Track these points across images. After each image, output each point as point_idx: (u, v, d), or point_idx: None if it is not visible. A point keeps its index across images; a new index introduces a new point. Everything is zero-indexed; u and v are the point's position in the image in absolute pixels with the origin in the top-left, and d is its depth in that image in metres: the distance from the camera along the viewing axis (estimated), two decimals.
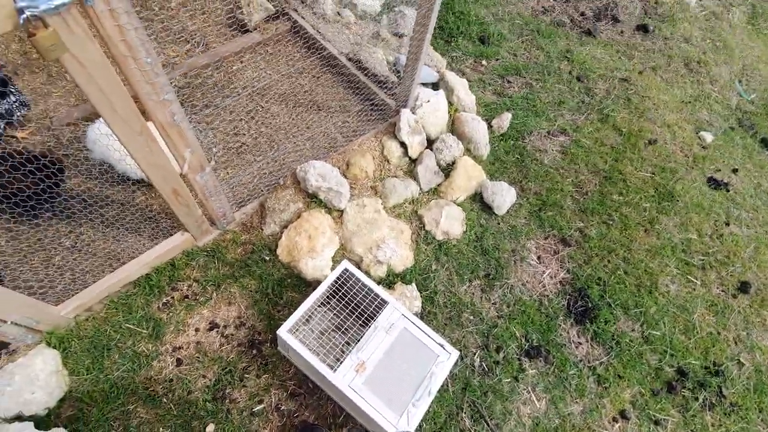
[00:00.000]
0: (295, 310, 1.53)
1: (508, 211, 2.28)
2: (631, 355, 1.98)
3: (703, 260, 2.29)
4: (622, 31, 3.40)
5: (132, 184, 1.92)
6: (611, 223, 2.34)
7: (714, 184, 2.61)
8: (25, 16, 0.73)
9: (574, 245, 2.25)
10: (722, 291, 2.23)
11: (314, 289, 1.59)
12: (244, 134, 2.27)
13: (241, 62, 2.52)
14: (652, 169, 2.58)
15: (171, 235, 1.75)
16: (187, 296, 1.74)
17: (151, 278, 1.71)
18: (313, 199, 1.99)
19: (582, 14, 3.52)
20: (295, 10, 2.68)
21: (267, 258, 1.87)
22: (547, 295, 2.08)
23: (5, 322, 1.31)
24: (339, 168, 2.08)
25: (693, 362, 1.99)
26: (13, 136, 1.83)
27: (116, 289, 1.67)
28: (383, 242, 1.94)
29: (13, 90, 1.74)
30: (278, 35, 2.63)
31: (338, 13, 2.81)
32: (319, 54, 2.58)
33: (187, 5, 2.61)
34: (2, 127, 1.76)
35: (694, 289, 2.21)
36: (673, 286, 2.20)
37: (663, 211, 2.42)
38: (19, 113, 1.79)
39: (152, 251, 1.70)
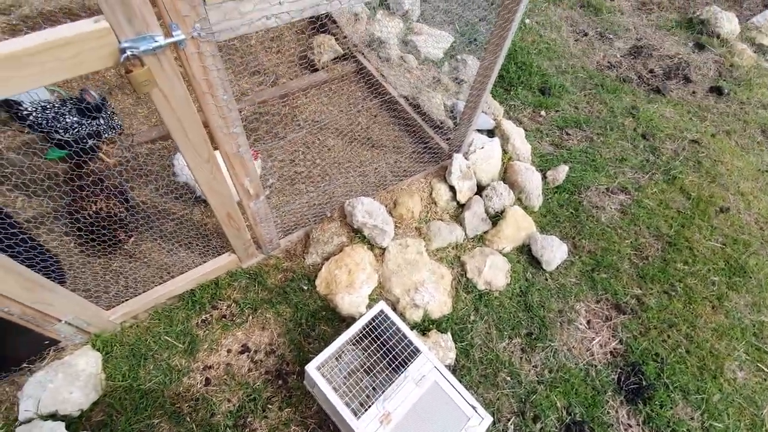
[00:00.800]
0: (325, 344, 1.51)
1: (557, 268, 2.16)
2: None
3: None
4: (694, 92, 3.25)
5: (193, 202, 2.03)
6: (674, 294, 2.14)
7: None
8: (126, 55, 0.81)
9: (630, 313, 2.07)
10: None
11: (347, 326, 1.56)
12: (300, 164, 2.36)
13: (306, 97, 2.66)
14: (722, 240, 2.36)
15: (219, 254, 1.81)
16: (224, 316, 1.77)
17: (195, 294, 1.77)
18: (357, 234, 2.00)
19: (651, 71, 3.42)
20: (362, 53, 2.82)
21: (305, 288, 1.88)
22: (595, 365, 1.90)
23: (60, 321, 1.39)
24: (386, 206, 2.09)
25: None
26: (98, 148, 2.02)
27: (162, 301, 1.73)
28: (422, 285, 1.89)
29: (104, 115, 1.91)
30: (343, 75, 2.77)
31: (402, 58, 2.93)
32: (379, 94, 2.68)
33: (266, 43, 2.83)
34: (92, 144, 1.93)
35: (766, 380, 1.93)
36: (741, 374, 1.94)
37: (733, 287, 2.18)
38: (106, 135, 1.96)
39: (200, 268, 1.76)
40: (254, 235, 1.77)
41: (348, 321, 1.81)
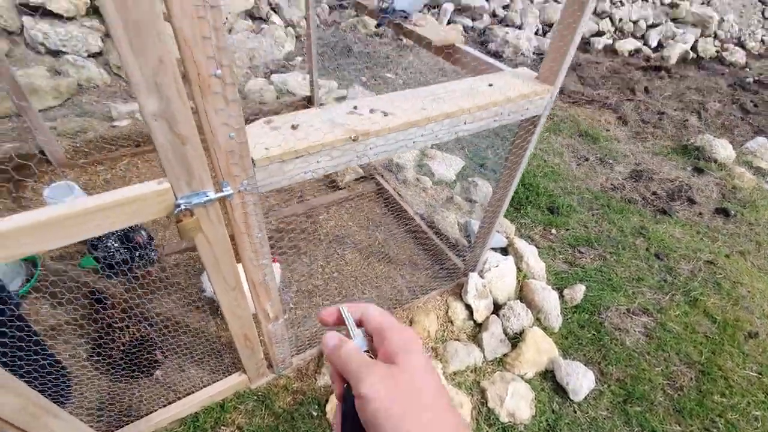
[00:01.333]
0: None
1: (585, 398, 2.02)
2: None
3: None
4: (700, 213, 3.36)
5: (209, 315, 2.07)
6: (716, 431, 1.94)
7: None
8: (180, 209, 0.93)
9: None
10: None
11: None
12: (318, 277, 2.42)
13: (327, 213, 2.85)
14: (757, 368, 2.21)
15: (229, 373, 1.78)
16: None
17: (198, 418, 1.69)
18: None
19: (654, 193, 3.58)
20: (381, 175, 3.09)
21: (314, 414, 1.78)
22: None
23: None
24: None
25: None
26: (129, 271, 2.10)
27: (163, 425, 1.66)
28: None
29: (145, 250, 2.05)
30: (363, 193, 2.99)
31: (417, 179, 3.18)
32: (396, 212, 2.85)
33: None
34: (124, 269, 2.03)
35: None
36: None
37: None
38: (139, 264, 2.07)
39: (209, 389, 1.72)
40: (267, 354, 1.75)
41: None
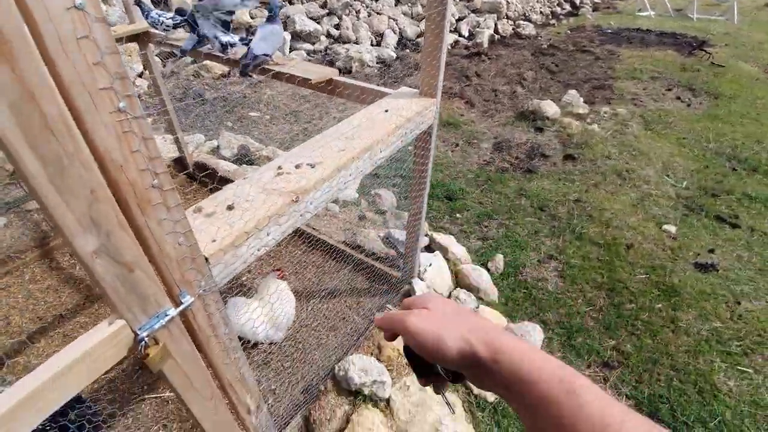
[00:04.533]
0: None
1: (541, 349, 2.28)
2: None
3: (740, 345, 2.32)
4: (554, 163, 4.04)
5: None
6: (638, 333, 2.38)
7: (702, 268, 2.83)
8: (144, 342, 0.80)
9: (619, 366, 2.22)
10: None
11: None
12: (263, 342, 2.25)
13: (249, 273, 2.66)
14: (644, 271, 2.78)
15: None
16: None
17: None
18: (357, 397, 1.91)
19: (517, 158, 4.19)
20: None
21: None
22: None
23: None
24: (373, 354, 2.06)
25: None
26: None
27: None
28: (440, 423, 1.83)
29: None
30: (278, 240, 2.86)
31: (325, 209, 3.17)
32: (318, 247, 2.80)
33: None
34: None
35: (752, 379, 2.17)
36: (732, 382, 2.16)
37: (677, 308, 2.52)
38: None
39: None
40: None
41: None
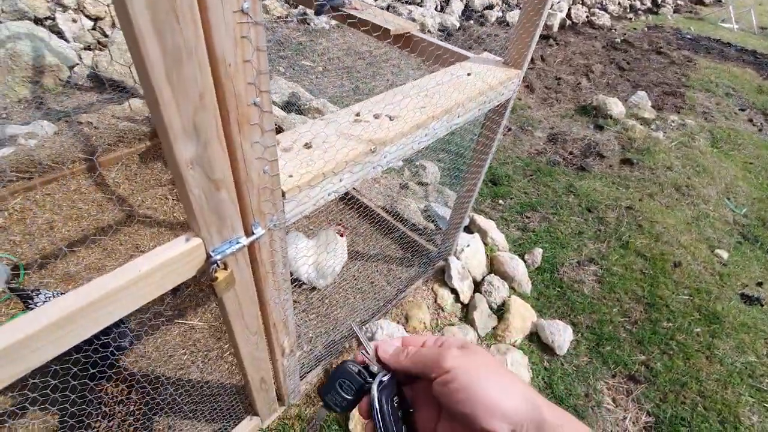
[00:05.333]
0: None
1: (568, 351, 2.22)
2: None
3: None
4: (610, 165, 3.83)
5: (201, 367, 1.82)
6: (671, 353, 2.29)
7: (747, 300, 2.67)
8: (215, 264, 0.78)
9: (645, 382, 2.15)
10: None
11: None
12: (297, 292, 2.27)
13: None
14: (688, 292, 2.64)
15: (237, 420, 1.60)
16: None
17: None
18: None
19: (570, 153, 3.99)
20: None
21: None
22: None
23: None
24: (400, 323, 2.05)
25: None
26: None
27: None
28: None
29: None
30: None
31: None
32: (357, 209, 2.77)
33: None
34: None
35: None
36: (755, 417, 2.07)
37: (715, 335, 2.41)
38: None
39: None
40: (278, 389, 1.61)
41: None
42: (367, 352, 0.49)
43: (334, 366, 1.88)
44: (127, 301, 0.70)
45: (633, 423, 1.99)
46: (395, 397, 0.44)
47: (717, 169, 3.89)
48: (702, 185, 3.64)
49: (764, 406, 2.12)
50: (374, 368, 0.48)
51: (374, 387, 0.44)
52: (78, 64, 3.55)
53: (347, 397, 0.47)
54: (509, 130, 4.23)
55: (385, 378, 0.45)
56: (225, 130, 0.66)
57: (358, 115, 1.15)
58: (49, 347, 0.63)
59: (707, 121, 4.76)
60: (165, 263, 0.72)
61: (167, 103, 0.55)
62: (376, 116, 1.16)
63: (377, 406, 0.43)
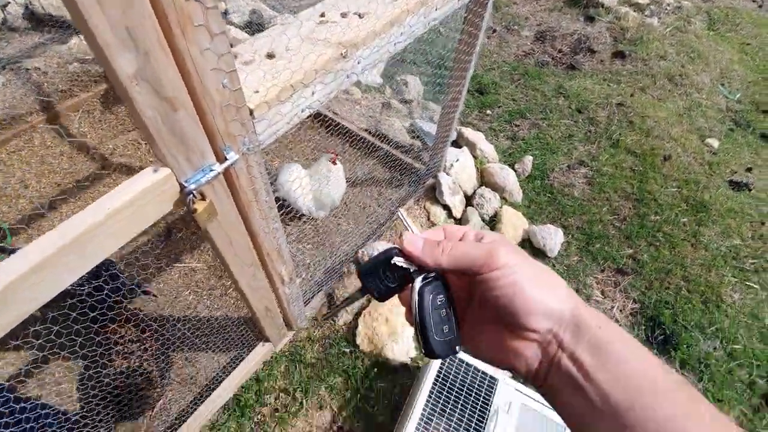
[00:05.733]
0: (388, 400, 1.46)
1: (559, 252, 2.30)
2: (722, 376, 1.94)
3: (754, 263, 2.33)
4: (601, 60, 3.65)
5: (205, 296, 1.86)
6: (658, 244, 2.38)
7: (735, 186, 2.72)
8: (192, 195, 0.73)
9: (632, 273, 2.26)
10: None
11: (403, 375, 1.52)
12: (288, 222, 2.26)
13: (267, 155, 2.56)
14: (677, 184, 2.67)
15: (251, 347, 1.68)
16: (276, 409, 1.64)
17: (239, 399, 1.61)
18: None
19: (560, 51, 3.77)
20: None
21: (347, 350, 1.80)
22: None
23: None
24: (394, 243, 2.08)
25: None
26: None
27: (205, 423, 1.56)
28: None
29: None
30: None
31: (345, 92, 2.94)
32: (339, 133, 2.66)
33: None
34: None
35: (756, 294, 2.22)
36: (737, 295, 2.21)
37: (701, 223, 2.48)
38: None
39: (238, 371, 1.62)
40: (284, 315, 1.66)
41: (401, 370, 1.77)
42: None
43: (335, 290, 1.93)
44: (103, 242, 0.66)
45: (620, 311, 2.13)
46: (440, 295, 0.42)
47: (712, 54, 3.72)
48: (696, 72, 3.51)
49: (746, 284, 2.26)
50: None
51: (418, 280, 0.43)
52: (9, 2, 3.13)
53: (390, 285, 0.45)
54: (494, 31, 3.94)
55: (432, 273, 0.43)
56: (167, 35, 0.57)
57: (322, 15, 1.02)
58: (28, 294, 0.60)
59: (705, 2, 4.45)
60: (136, 198, 0.67)
61: (92, 12, 0.46)
62: (344, 15, 1.03)
63: (416, 298, 0.42)
